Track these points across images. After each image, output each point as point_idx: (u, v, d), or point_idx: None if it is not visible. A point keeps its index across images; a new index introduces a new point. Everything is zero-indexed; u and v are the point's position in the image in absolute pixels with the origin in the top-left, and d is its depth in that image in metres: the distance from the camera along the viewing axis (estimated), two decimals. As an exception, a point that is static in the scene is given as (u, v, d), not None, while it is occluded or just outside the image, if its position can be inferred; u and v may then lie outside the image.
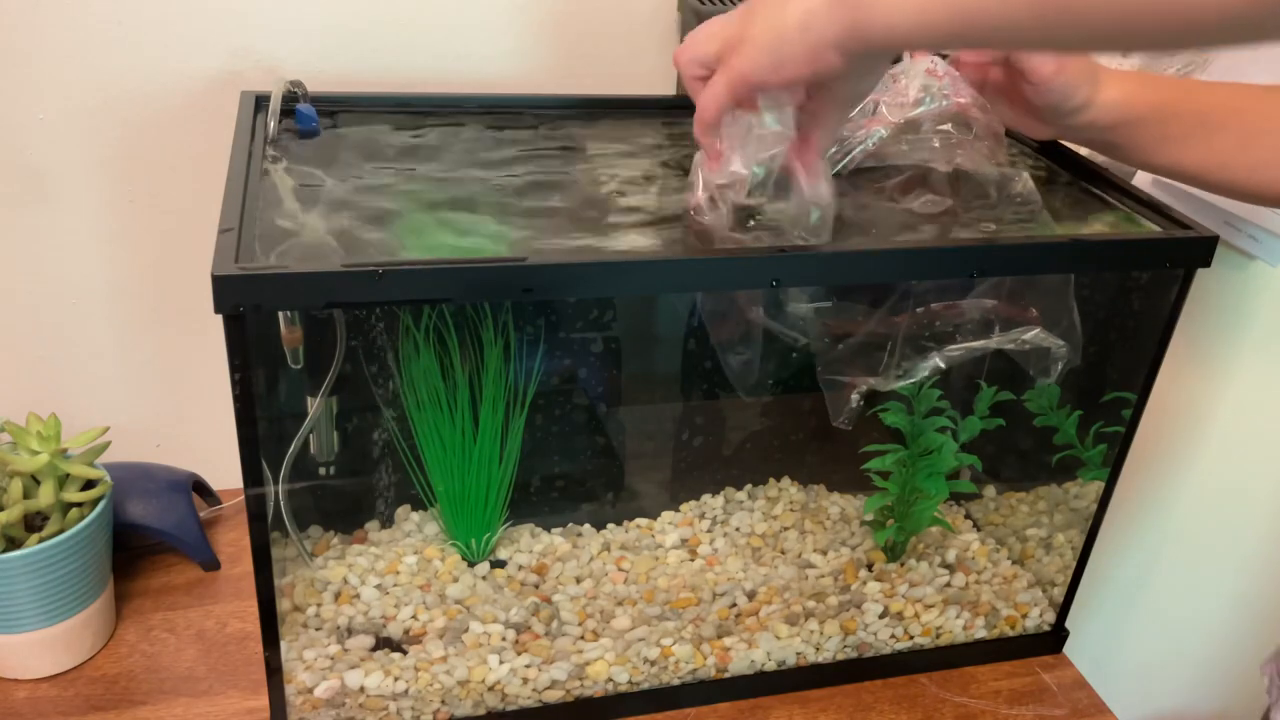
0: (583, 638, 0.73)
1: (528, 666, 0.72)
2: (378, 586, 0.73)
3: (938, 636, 0.81)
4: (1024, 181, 0.68)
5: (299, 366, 0.66)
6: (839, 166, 0.68)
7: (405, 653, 0.71)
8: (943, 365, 0.69)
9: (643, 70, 0.87)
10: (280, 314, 0.62)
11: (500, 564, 0.77)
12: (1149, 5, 0.43)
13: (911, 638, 0.80)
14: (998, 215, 0.67)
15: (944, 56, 0.67)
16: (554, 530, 0.81)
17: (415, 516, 0.79)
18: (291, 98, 0.71)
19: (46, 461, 0.70)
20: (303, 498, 0.73)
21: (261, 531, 0.60)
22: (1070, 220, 0.69)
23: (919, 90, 0.66)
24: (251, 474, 0.58)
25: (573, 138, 0.75)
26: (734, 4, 0.78)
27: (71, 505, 0.72)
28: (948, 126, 0.67)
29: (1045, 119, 0.70)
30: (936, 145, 0.68)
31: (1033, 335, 0.69)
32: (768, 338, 0.73)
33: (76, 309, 0.84)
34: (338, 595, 0.73)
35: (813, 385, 0.86)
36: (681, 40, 0.84)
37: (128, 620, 0.79)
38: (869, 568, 0.80)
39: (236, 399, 0.55)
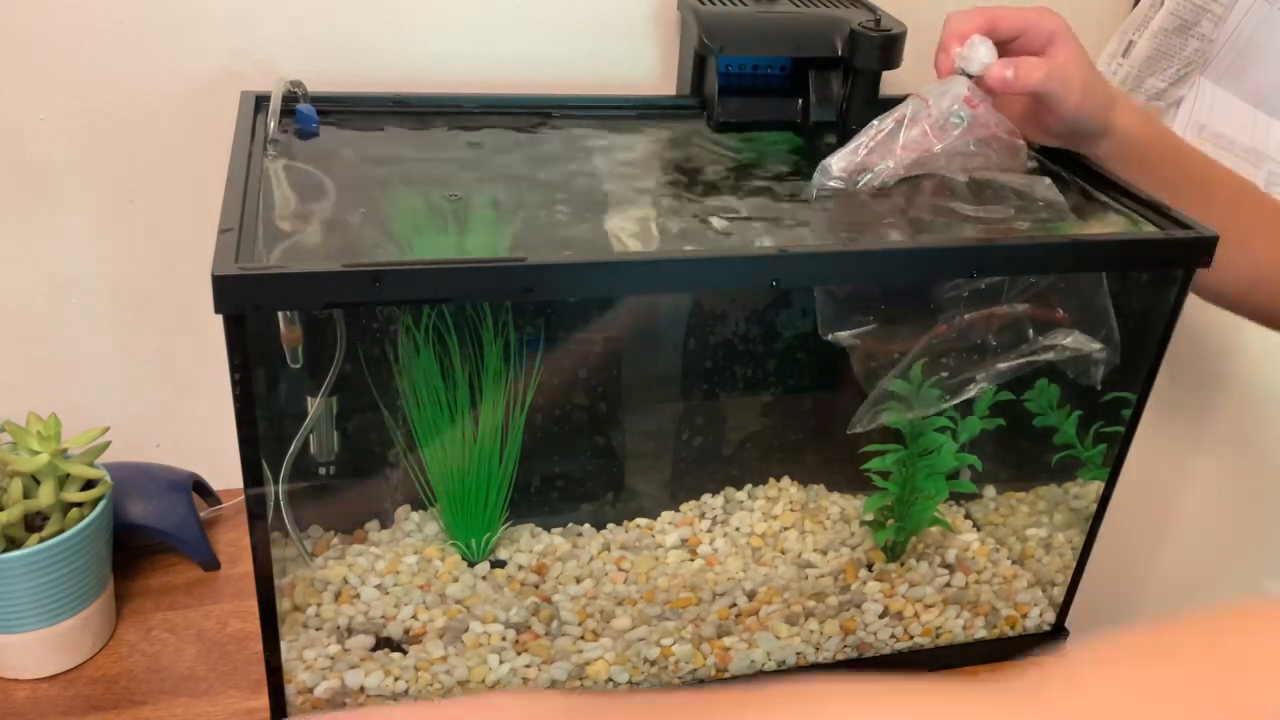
0: (583, 638, 0.73)
1: (528, 666, 0.72)
2: (378, 586, 0.73)
3: (938, 636, 0.81)
4: (1047, 187, 0.69)
5: (298, 366, 0.66)
6: (877, 184, 0.68)
7: (405, 653, 0.71)
8: (989, 386, 0.69)
9: (643, 70, 0.87)
10: (280, 314, 0.62)
11: (500, 564, 0.77)
12: None
13: (911, 638, 0.80)
14: (1032, 219, 0.68)
15: (971, 76, 0.67)
16: (554, 530, 0.81)
17: (415, 516, 0.79)
18: (291, 98, 0.71)
19: (46, 461, 0.70)
20: (303, 498, 0.73)
21: (261, 531, 0.60)
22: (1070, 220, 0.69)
23: (952, 115, 0.67)
24: (251, 474, 0.58)
25: (572, 137, 0.75)
26: (734, 3, 0.78)
27: (71, 505, 0.72)
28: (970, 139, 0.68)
29: (1056, 137, 0.72)
30: (955, 152, 0.68)
31: (1072, 340, 0.69)
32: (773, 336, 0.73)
33: (76, 309, 0.84)
34: (338, 595, 0.73)
35: (812, 385, 0.86)
36: (680, 41, 0.85)
37: (128, 620, 0.79)
38: (869, 568, 0.80)
39: (236, 399, 0.55)
